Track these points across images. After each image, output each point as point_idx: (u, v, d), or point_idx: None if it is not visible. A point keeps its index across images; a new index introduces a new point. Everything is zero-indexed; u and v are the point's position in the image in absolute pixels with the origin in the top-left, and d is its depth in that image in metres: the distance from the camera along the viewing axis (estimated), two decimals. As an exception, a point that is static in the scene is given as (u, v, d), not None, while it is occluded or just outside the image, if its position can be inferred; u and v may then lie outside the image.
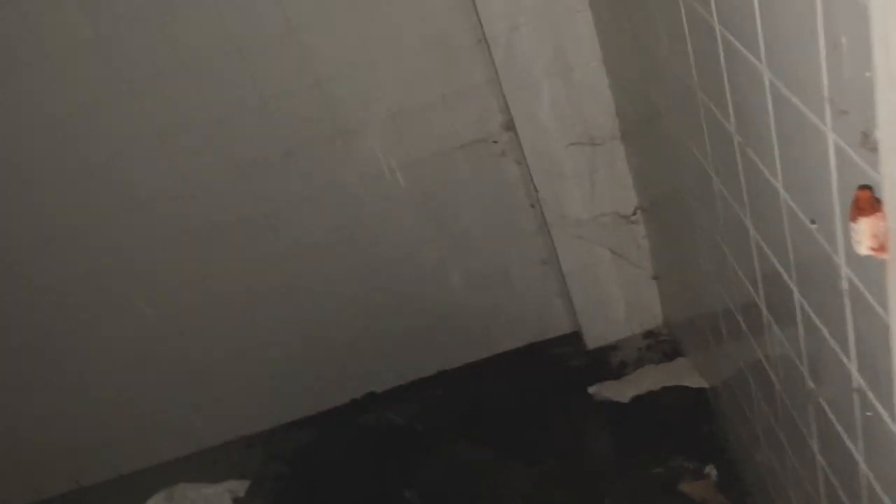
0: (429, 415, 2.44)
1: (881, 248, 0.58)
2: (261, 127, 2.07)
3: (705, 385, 2.02)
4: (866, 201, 0.57)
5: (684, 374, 2.11)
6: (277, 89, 2.03)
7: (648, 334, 2.38)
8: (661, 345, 2.33)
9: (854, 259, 0.74)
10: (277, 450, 2.50)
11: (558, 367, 2.40)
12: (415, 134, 2.12)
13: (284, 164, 2.13)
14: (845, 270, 0.79)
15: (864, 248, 0.58)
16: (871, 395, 0.83)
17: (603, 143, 2.08)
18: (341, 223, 2.25)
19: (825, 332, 0.93)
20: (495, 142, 2.17)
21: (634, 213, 2.17)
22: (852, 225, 0.59)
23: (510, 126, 2.09)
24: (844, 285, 0.81)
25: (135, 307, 2.31)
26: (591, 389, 2.24)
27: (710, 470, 1.95)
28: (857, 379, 0.86)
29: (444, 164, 2.17)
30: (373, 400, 2.54)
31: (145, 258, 2.23)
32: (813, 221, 0.85)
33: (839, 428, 0.98)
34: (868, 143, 0.60)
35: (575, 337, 2.45)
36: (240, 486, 2.42)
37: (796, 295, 1.01)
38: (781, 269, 1.04)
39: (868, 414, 0.85)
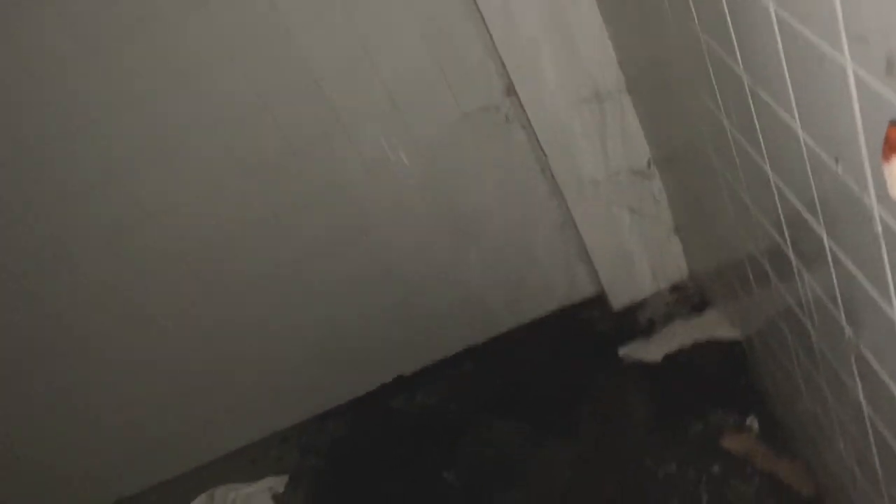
0: (460, 392, 2.40)
1: (920, 189, 0.51)
2: (260, 127, 2.02)
3: (738, 336, 1.96)
4: (899, 139, 0.51)
5: (715, 326, 2.05)
6: (272, 86, 1.97)
7: (675, 288, 2.32)
8: (689, 298, 2.27)
9: (887, 199, 0.68)
10: (312, 442, 2.49)
11: (586, 332, 2.36)
12: (414, 111, 2.06)
13: (288, 161, 2.08)
14: (878, 211, 0.73)
15: (901, 191, 0.52)
16: (917, 342, 0.77)
17: (609, 97, 2.01)
18: (351, 212, 2.20)
19: (861, 277, 0.87)
20: (497, 108, 2.10)
21: (649, 167, 2.10)
22: (885, 165, 0.52)
23: (511, 90, 2.02)
24: (878, 228, 0.74)
25: (152, 318, 2.29)
26: (621, 352, 2.18)
27: (752, 422, 1.90)
28: (901, 326, 0.80)
29: (448, 138, 2.11)
30: (402, 383, 2.51)
31: (157, 269, 2.20)
32: (837, 160, 0.79)
33: (885, 377, 0.92)
34: (895, 71, 0.53)
35: (600, 299, 2.40)
36: (279, 483, 2.41)
37: (826, 240, 0.95)
38: (807, 214, 0.98)
39: (916, 362, 0.79)
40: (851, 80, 0.66)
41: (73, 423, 2.44)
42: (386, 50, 1.96)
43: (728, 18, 0.95)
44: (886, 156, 0.51)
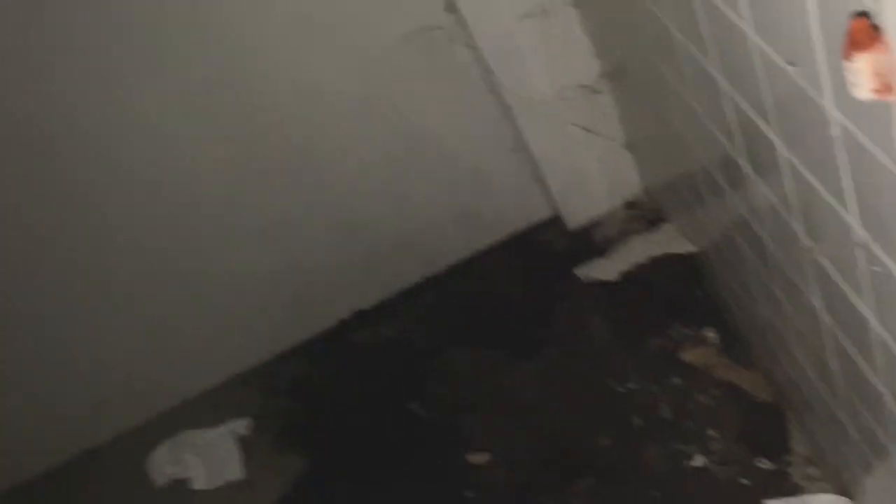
0: (421, 323, 2.38)
1: (885, 88, 0.46)
2: (184, 52, 1.90)
3: (694, 249, 1.95)
4: (863, 32, 0.46)
5: (671, 241, 2.04)
6: (196, 6, 1.84)
7: (629, 205, 2.29)
8: (644, 214, 2.25)
9: (846, 102, 0.64)
10: (273, 383, 2.46)
11: (543, 254, 2.33)
12: (351, 34, 1.96)
13: (218, 92, 1.97)
14: (835, 115, 0.69)
15: (865, 90, 0.47)
16: (876, 249, 0.74)
17: (554, 10, 1.94)
18: (293, 143, 2.11)
19: (817, 185, 0.84)
20: (439, 27, 2.01)
21: (598, 82, 2.05)
22: (847, 64, 0.47)
23: (452, 7, 1.94)
24: (835, 132, 0.71)
25: (101, 266, 2.20)
26: (579, 272, 2.17)
27: (709, 333, 1.91)
28: (860, 233, 0.77)
29: (389, 61, 2.02)
30: (362, 318, 2.47)
31: (99, 217, 2.11)
32: (791, 63, 0.74)
33: (844, 286, 0.90)
34: (853, -41, 0.48)
35: (555, 220, 2.37)
36: (242, 425, 2.39)
37: (780, 148, 0.91)
38: (760, 121, 0.94)
39: (875, 269, 0.77)
40: (805, -27, 0.61)
41: (30, 377, 2.38)
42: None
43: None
44: (847, 53, 0.46)
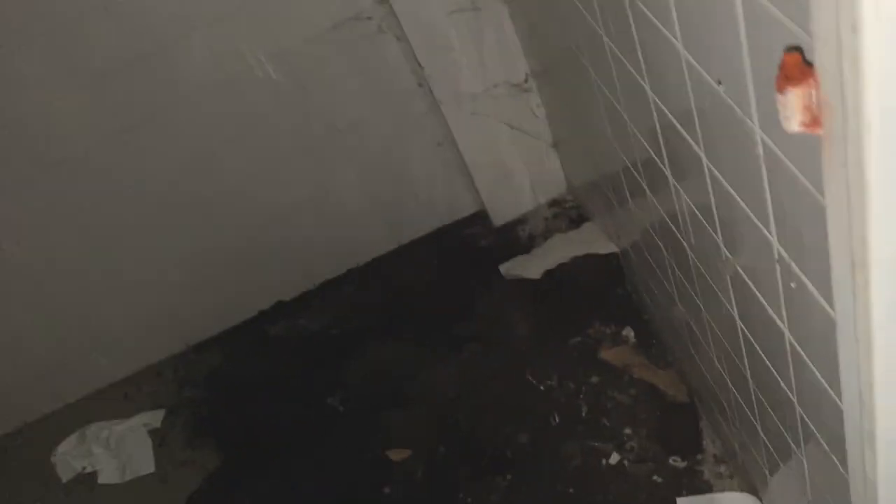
0: (343, 316, 2.35)
1: (814, 122, 0.47)
2: (108, 31, 1.82)
3: (615, 249, 1.98)
4: (795, 67, 0.46)
5: (593, 240, 2.07)
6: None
7: (554, 203, 2.32)
8: (568, 212, 2.28)
9: (771, 123, 0.65)
10: (188, 374, 2.39)
11: (468, 250, 2.34)
12: (281, 21, 1.92)
13: (141, 70, 1.89)
14: (760, 135, 0.70)
15: (795, 123, 0.48)
16: (795, 267, 0.77)
17: (485, 6, 1.94)
18: (217, 134, 2.05)
19: (739, 200, 0.85)
20: (370, 18, 1.98)
21: (526, 80, 2.05)
22: (779, 97, 0.48)
23: (383, -3, 1.91)
24: (760, 151, 0.72)
25: (12, 254, 2.10)
26: (502, 268, 2.18)
27: (627, 332, 1.95)
28: (779, 249, 0.79)
29: (318, 50, 1.98)
30: (281, 309, 2.43)
31: (10, 205, 2.01)
32: (719, 82, 0.75)
33: (761, 298, 0.93)
34: (787, -9, 0.49)
35: (481, 216, 2.38)
36: (154, 417, 2.32)
37: (704, 161, 0.93)
38: (686, 135, 0.95)
39: (792, 285, 0.79)
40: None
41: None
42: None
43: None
44: (780, 86, 0.47)
